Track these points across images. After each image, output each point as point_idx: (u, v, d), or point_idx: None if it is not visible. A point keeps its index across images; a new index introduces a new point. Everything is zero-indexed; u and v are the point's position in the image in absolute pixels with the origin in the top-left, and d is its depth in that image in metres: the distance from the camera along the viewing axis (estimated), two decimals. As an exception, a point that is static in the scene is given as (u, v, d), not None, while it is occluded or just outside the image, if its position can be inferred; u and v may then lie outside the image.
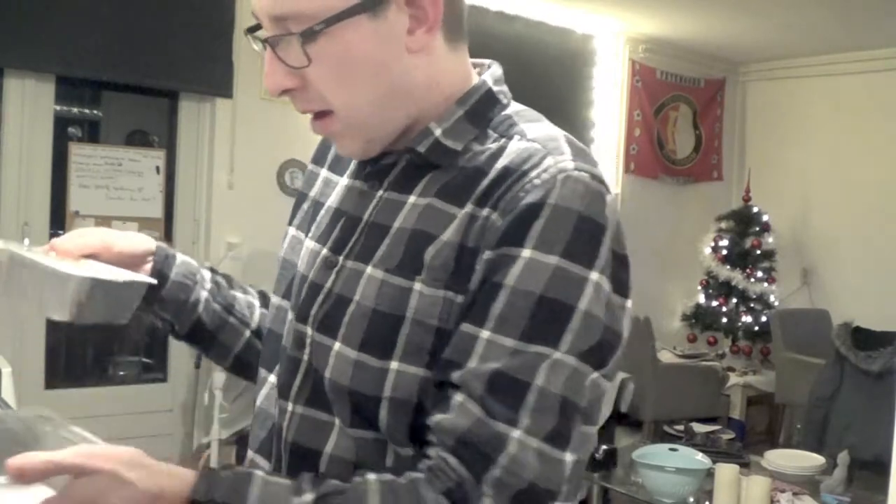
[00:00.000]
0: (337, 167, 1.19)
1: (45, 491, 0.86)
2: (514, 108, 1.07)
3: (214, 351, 1.32)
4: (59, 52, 4.35)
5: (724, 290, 6.88)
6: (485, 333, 0.91)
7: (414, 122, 1.04)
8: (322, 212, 1.15)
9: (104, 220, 4.64)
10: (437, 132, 1.03)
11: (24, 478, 0.80)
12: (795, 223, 7.29)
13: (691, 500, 3.37)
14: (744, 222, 6.96)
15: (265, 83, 1.01)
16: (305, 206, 1.22)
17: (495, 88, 1.07)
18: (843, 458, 3.65)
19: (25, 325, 4.42)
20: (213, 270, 1.35)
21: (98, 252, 1.15)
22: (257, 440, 1.15)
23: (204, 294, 1.28)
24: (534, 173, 0.94)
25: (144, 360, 5.08)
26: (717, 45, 7.10)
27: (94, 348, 4.97)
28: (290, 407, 1.07)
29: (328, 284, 1.06)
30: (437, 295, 0.95)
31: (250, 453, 1.16)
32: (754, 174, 7.23)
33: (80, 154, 4.60)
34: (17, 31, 4.22)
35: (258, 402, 1.16)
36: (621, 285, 0.96)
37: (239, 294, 1.35)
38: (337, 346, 1.01)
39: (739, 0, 5.72)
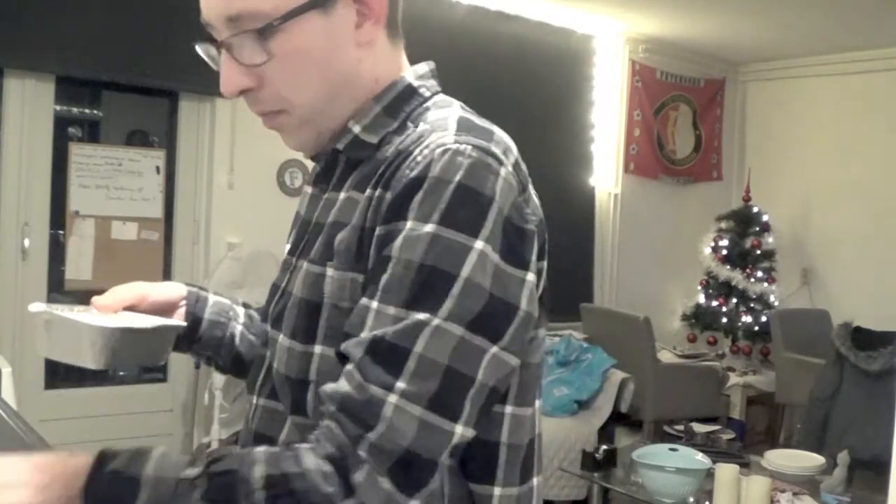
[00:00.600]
0: (310, 180, 1.26)
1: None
2: (435, 99, 1.11)
3: None
4: (59, 52, 4.35)
5: (724, 290, 6.88)
6: (374, 304, 0.93)
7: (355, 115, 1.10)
8: (295, 222, 1.24)
9: (104, 220, 4.64)
10: (356, 129, 1.08)
11: None
12: (795, 223, 7.29)
13: (691, 500, 3.37)
14: (744, 222, 6.96)
15: (222, 86, 1.06)
16: (293, 223, 1.28)
17: (416, 83, 1.11)
18: (843, 458, 3.65)
19: (25, 325, 4.43)
20: (246, 305, 1.41)
21: (135, 304, 1.23)
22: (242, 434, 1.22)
23: (239, 328, 1.35)
24: (416, 150, 0.98)
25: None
26: (717, 45, 7.10)
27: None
28: (254, 400, 1.16)
29: (283, 284, 1.15)
30: (345, 277, 1.01)
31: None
32: (754, 174, 7.23)
33: (80, 154, 4.60)
34: (17, 31, 4.22)
35: None
36: (518, 257, 0.96)
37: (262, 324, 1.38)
38: (280, 337, 1.08)
39: (739, 0, 5.71)
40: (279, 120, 1.08)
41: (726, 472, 3.25)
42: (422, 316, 0.90)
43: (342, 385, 0.91)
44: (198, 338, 1.32)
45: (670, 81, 7.24)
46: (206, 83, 4.74)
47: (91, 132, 4.99)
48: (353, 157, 1.09)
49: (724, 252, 6.90)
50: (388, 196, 0.97)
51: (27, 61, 4.33)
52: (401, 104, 1.09)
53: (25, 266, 4.43)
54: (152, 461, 0.91)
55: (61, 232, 4.58)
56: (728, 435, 5.07)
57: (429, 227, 0.92)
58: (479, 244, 0.92)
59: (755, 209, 6.98)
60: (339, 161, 1.12)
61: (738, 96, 7.84)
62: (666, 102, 7.23)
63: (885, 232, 6.67)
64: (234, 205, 4.96)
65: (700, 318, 6.95)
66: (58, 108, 4.56)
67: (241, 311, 1.38)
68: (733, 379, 6.39)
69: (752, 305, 6.83)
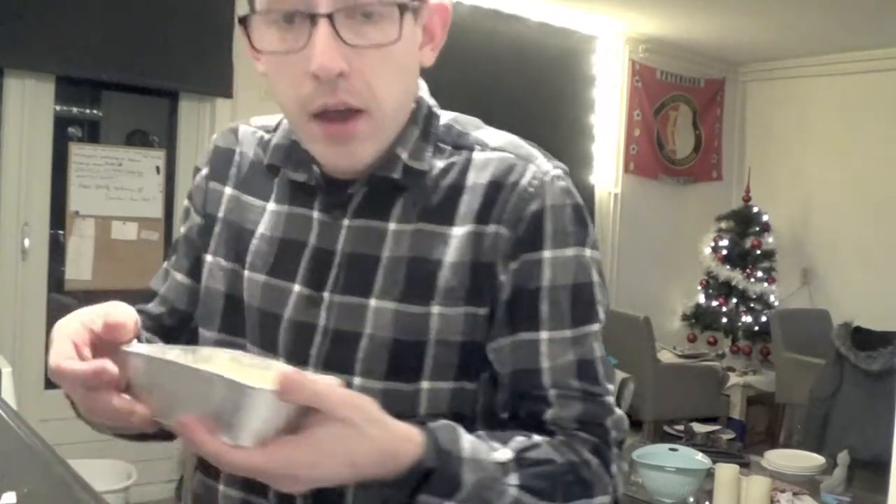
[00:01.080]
0: (249, 188, 1.13)
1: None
2: (446, 115, 1.11)
3: None
4: (59, 52, 4.35)
5: (724, 290, 6.89)
6: (544, 335, 1.02)
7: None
8: (255, 240, 1.10)
9: (104, 220, 4.64)
10: (404, 156, 1.05)
11: (285, 394, 0.75)
12: (795, 223, 7.29)
13: (691, 500, 3.37)
14: (744, 222, 6.97)
15: (321, 63, 0.92)
16: (217, 228, 1.14)
17: (431, 103, 1.10)
18: (843, 458, 3.65)
19: (25, 325, 4.43)
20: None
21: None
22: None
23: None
24: (524, 182, 1.03)
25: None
26: (717, 45, 7.11)
27: (94, 348, 4.96)
28: None
29: (321, 322, 1.04)
30: (458, 313, 1.01)
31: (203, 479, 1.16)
32: (754, 174, 7.24)
33: (80, 154, 4.60)
34: (17, 31, 4.22)
35: None
36: (595, 244, 1.09)
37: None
38: (358, 380, 1.01)
39: (739, 0, 5.72)
40: (356, 125, 0.98)
41: (726, 472, 3.25)
42: (589, 328, 1.04)
43: (569, 410, 1.02)
44: None
45: (670, 81, 7.25)
46: (206, 83, 4.78)
47: (91, 132, 4.99)
48: (403, 186, 1.04)
49: (724, 252, 6.90)
50: (505, 230, 1.02)
51: (27, 61, 4.33)
52: (429, 126, 1.08)
53: (25, 266, 4.43)
54: (464, 440, 0.92)
55: (61, 232, 4.58)
56: (728, 435, 5.08)
57: (569, 252, 1.03)
58: (589, 252, 1.06)
59: (755, 209, 6.98)
60: (357, 190, 1.05)
61: (738, 96, 7.84)
62: (666, 102, 7.23)
63: (886, 232, 6.68)
64: (234, 205, 4.96)
65: (700, 318, 6.96)
66: (58, 108, 4.56)
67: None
68: (733, 379, 6.39)
69: (752, 305, 6.83)
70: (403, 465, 0.86)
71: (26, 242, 4.42)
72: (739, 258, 6.88)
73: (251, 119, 1.22)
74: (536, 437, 0.98)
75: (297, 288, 1.06)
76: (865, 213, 6.86)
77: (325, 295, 1.04)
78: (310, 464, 0.78)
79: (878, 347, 4.70)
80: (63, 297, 4.72)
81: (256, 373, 0.85)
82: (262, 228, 1.10)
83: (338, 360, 1.02)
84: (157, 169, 4.82)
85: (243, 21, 0.99)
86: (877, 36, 6.29)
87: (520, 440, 0.96)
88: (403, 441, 0.86)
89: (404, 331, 1.01)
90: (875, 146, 6.84)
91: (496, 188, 1.03)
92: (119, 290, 4.87)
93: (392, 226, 1.04)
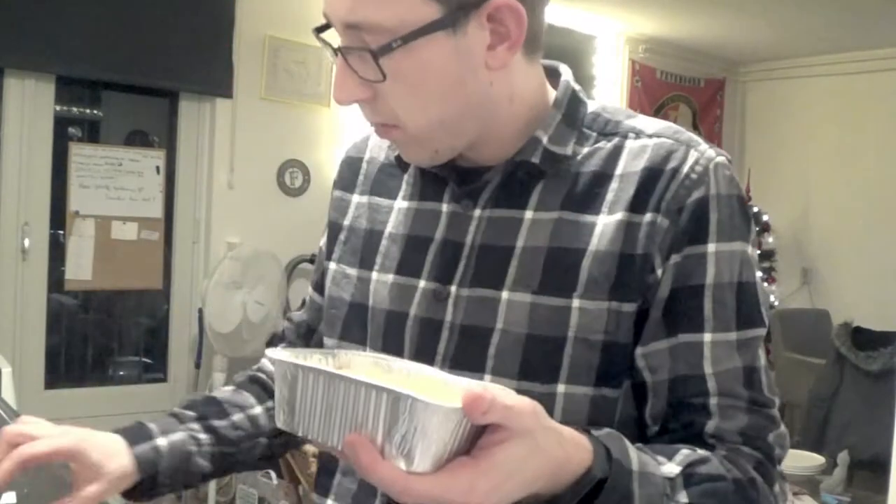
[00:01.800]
0: (379, 190, 1.13)
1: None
2: (593, 104, 1.07)
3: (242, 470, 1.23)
4: (59, 52, 4.35)
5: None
6: (707, 337, 0.94)
7: (487, 134, 1.00)
8: (384, 240, 1.08)
9: (104, 220, 4.64)
10: (545, 139, 1.00)
11: (476, 412, 0.66)
12: (795, 223, 7.29)
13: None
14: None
15: (335, 93, 0.95)
16: (342, 236, 1.14)
17: (576, 87, 1.06)
18: (843, 458, 3.65)
19: (25, 325, 4.43)
20: (201, 418, 1.14)
21: (73, 456, 0.99)
22: (346, 491, 1.06)
23: (204, 464, 1.13)
24: (685, 169, 0.95)
25: (144, 360, 5.08)
26: (717, 45, 7.10)
27: (94, 348, 4.97)
28: None
29: (448, 318, 0.99)
30: (600, 308, 0.94)
31: (313, 496, 1.10)
32: (754, 174, 7.23)
33: (80, 154, 4.60)
34: (17, 31, 4.22)
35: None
36: (755, 243, 1.03)
37: (237, 416, 1.17)
38: (488, 379, 0.95)
39: (739, 0, 5.71)
40: (392, 134, 0.98)
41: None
42: (754, 332, 0.96)
43: (734, 421, 0.94)
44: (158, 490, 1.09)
45: (670, 81, 7.25)
46: (206, 83, 4.78)
47: (91, 132, 4.99)
48: (543, 170, 0.99)
49: (724, 252, 6.90)
50: (663, 219, 0.94)
51: (27, 61, 4.33)
52: (574, 112, 1.03)
53: (25, 266, 4.43)
54: (632, 451, 0.83)
55: (61, 232, 4.57)
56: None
57: (736, 246, 0.96)
58: (750, 248, 0.98)
59: (755, 209, 6.97)
60: (493, 177, 1.01)
61: (738, 96, 7.84)
62: (666, 102, 7.23)
63: (886, 232, 6.67)
64: (234, 205, 4.96)
65: (700, 318, 6.95)
66: (58, 108, 4.56)
67: (201, 437, 1.13)
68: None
69: (752, 305, 6.83)
70: (574, 474, 0.77)
71: (26, 242, 4.42)
72: (739, 258, 6.87)
73: None
74: (703, 452, 0.90)
75: (422, 283, 1.02)
76: (865, 213, 6.86)
77: (453, 289, 1.00)
78: (491, 488, 0.69)
79: (878, 347, 4.70)
80: (63, 297, 4.73)
81: (413, 381, 0.79)
82: (390, 227, 1.08)
83: (467, 358, 0.97)
84: (157, 169, 4.82)
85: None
86: (877, 36, 6.29)
87: (686, 454, 0.88)
88: (574, 448, 0.78)
89: (541, 325, 0.95)
90: (875, 146, 6.84)
91: (653, 175, 0.96)
92: (119, 289, 4.88)
93: (529, 214, 0.99)
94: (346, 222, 1.14)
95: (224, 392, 1.21)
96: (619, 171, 0.98)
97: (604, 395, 0.95)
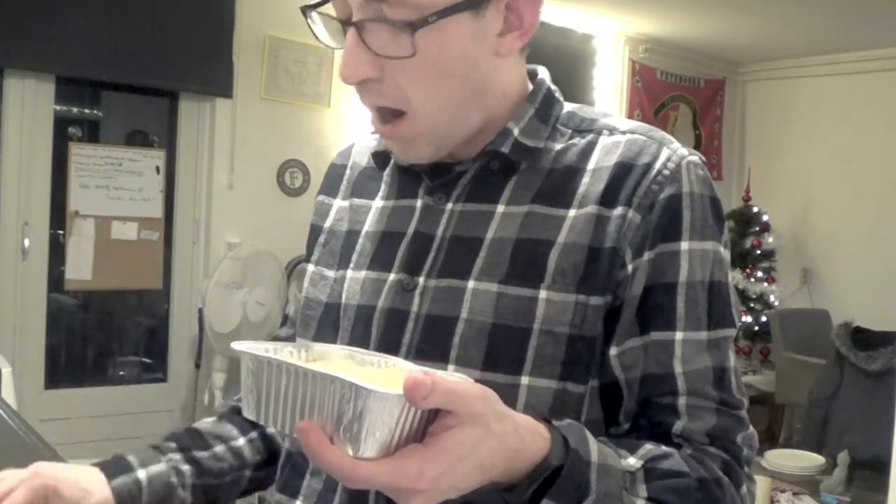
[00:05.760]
0: (360, 192, 1.13)
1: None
2: (571, 105, 1.07)
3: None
4: (59, 52, 4.34)
5: (724, 290, 6.88)
6: (678, 335, 0.93)
7: (481, 128, 1.00)
8: (361, 239, 1.08)
9: (104, 220, 4.64)
10: (516, 131, 1.00)
11: (417, 398, 0.67)
12: (795, 223, 7.29)
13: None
14: (744, 222, 6.97)
15: (343, 70, 0.92)
16: (322, 238, 1.14)
17: (552, 87, 1.07)
18: (843, 458, 3.65)
19: (25, 325, 4.43)
20: (183, 449, 1.13)
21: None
22: (312, 492, 1.04)
23: (186, 496, 1.10)
24: (657, 165, 0.95)
25: (144, 360, 5.08)
26: (717, 45, 7.11)
27: (94, 348, 4.97)
28: None
29: (414, 308, 0.98)
30: (567, 300, 0.93)
31: (279, 496, 1.08)
32: (754, 174, 7.24)
33: (80, 154, 4.60)
34: (17, 31, 4.22)
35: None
36: (728, 244, 1.02)
37: (219, 448, 1.15)
38: (452, 369, 0.94)
39: (739, 0, 5.71)
40: (397, 127, 0.96)
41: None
42: (725, 332, 0.96)
43: (702, 421, 0.92)
44: None
45: (670, 81, 7.25)
46: (206, 83, 4.78)
47: (91, 132, 4.99)
48: (514, 161, 0.99)
49: (724, 252, 6.90)
50: (634, 214, 0.93)
51: (27, 61, 4.32)
52: (548, 109, 1.03)
53: (25, 266, 4.43)
54: (592, 442, 0.83)
55: (61, 232, 4.57)
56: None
57: (708, 245, 0.95)
58: (722, 249, 0.98)
59: (755, 209, 6.98)
60: (465, 168, 1.01)
61: (738, 96, 7.84)
62: (666, 102, 7.23)
63: (886, 232, 6.67)
64: (234, 205, 4.96)
65: (700, 318, 6.95)
66: (58, 107, 4.56)
67: (185, 469, 1.11)
68: (733, 379, 6.38)
69: (752, 305, 6.84)
70: (530, 462, 0.78)
71: (26, 242, 4.42)
72: (739, 258, 6.88)
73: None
74: (667, 448, 0.89)
75: (392, 276, 1.01)
76: (866, 213, 6.86)
77: (420, 279, 0.99)
78: (440, 473, 0.69)
79: (878, 347, 4.70)
80: (63, 297, 4.73)
81: (377, 373, 0.80)
82: (367, 227, 1.08)
83: (431, 348, 0.96)
84: (157, 169, 4.82)
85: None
86: (877, 35, 6.29)
87: (649, 448, 0.88)
88: (531, 435, 0.78)
89: (506, 315, 0.93)
90: (875, 146, 6.84)
91: (624, 169, 0.95)
92: (119, 289, 4.88)
93: (501, 208, 0.98)
94: (327, 225, 1.14)
95: (206, 423, 1.19)
96: (591, 165, 0.97)
97: (567, 389, 0.93)
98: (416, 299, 0.98)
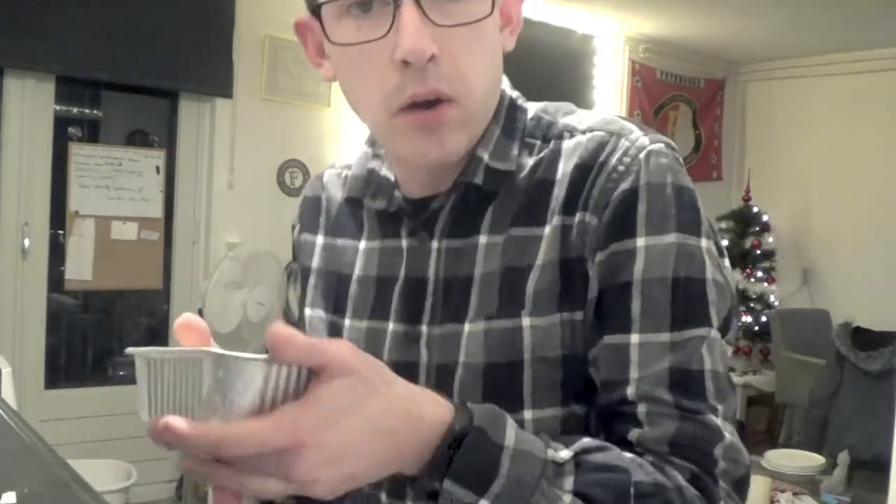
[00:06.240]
0: (341, 231, 1.07)
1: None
2: (534, 106, 1.00)
3: None
4: (59, 52, 4.35)
5: (724, 290, 6.88)
6: (634, 338, 0.85)
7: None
8: (353, 284, 1.02)
9: (104, 220, 4.64)
10: (486, 157, 0.93)
11: (276, 353, 0.63)
12: (795, 223, 7.29)
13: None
14: (744, 222, 6.97)
15: (410, 45, 0.82)
16: (312, 280, 1.08)
17: (513, 95, 1.00)
18: (843, 458, 3.65)
19: (25, 325, 4.43)
20: None
21: None
22: None
23: None
24: (614, 160, 0.88)
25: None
26: (717, 45, 7.11)
27: (94, 348, 4.97)
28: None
29: (424, 360, 0.93)
30: (552, 322, 0.87)
31: None
32: (754, 174, 7.24)
33: (80, 154, 4.60)
34: (17, 31, 4.22)
35: None
36: (719, 246, 0.93)
37: None
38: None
39: (739, 0, 5.71)
40: (444, 112, 0.87)
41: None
42: (696, 332, 0.85)
43: (660, 428, 0.82)
44: None
45: (670, 81, 7.25)
46: (206, 83, 4.78)
47: (91, 132, 4.99)
48: (489, 191, 0.93)
49: (724, 252, 6.90)
50: (591, 217, 0.87)
51: (27, 61, 4.33)
52: (512, 121, 0.96)
53: (25, 266, 4.43)
54: (510, 428, 0.75)
55: (61, 232, 4.58)
56: (728, 435, 5.07)
57: (669, 238, 0.86)
58: (704, 242, 0.88)
59: (755, 209, 6.98)
60: (441, 203, 0.95)
61: (738, 96, 7.84)
62: (666, 102, 7.23)
63: (886, 232, 6.67)
64: (234, 205, 4.96)
65: (700, 318, 6.95)
66: (58, 107, 4.56)
67: None
68: (733, 379, 6.38)
69: (752, 305, 6.84)
70: (432, 433, 0.71)
71: (26, 242, 4.42)
72: (739, 258, 6.88)
73: (336, 162, 1.15)
74: (607, 443, 0.81)
75: (391, 326, 0.96)
76: (866, 213, 6.86)
77: (423, 328, 0.94)
78: (318, 424, 0.63)
79: (878, 347, 4.70)
80: (63, 297, 4.73)
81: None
82: (357, 271, 1.02)
83: None
84: (157, 169, 4.82)
85: (317, 12, 0.89)
86: (877, 35, 6.29)
87: (585, 442, 0.79)
88: (431, 402, 0.73)
89: (494, 352, 0.88)
90: (875, 146, 6.84)
91: (583, 172, 0.89)
92: (119, 289, 4.88)
93: (483, 239, 0.92)
94: (314, 265, 1.09)
95: None
96: (558, 175, 0.91)
97: (573, 412, 0.88)
98: (424, 350, 0.94)
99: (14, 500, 1.09)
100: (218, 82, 4.79)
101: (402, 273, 0.97)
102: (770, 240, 6.96)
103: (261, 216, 4.97)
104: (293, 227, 1.15)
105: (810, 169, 7.25)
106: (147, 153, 4.84)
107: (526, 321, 0.88)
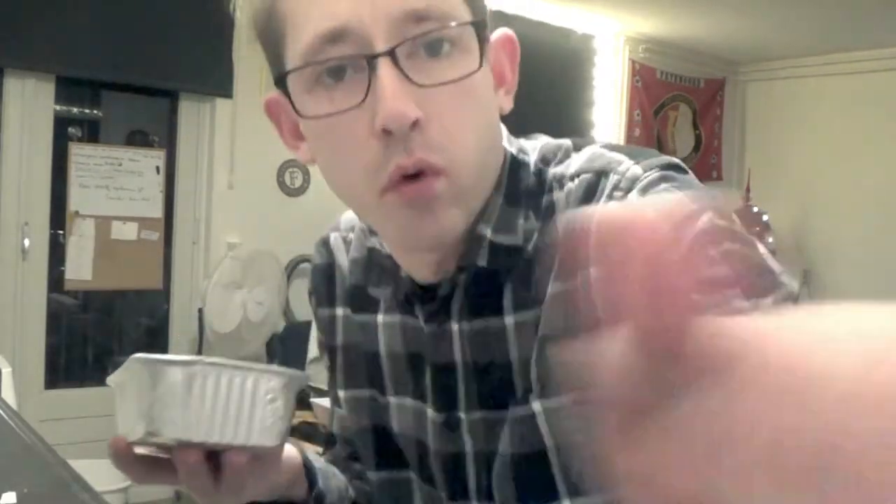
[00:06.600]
0: (358, 303, 0.98)
1: None
2: (533, 153, 0.88)
3: None
4: (59, 52, 4.35)
5: (724, 290, 6.88)
6: None
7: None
8: (385, 360, 0.95)
9: (104, 220, 4.64)
10: (489, 233, 0.83)
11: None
12: (795, 224, 7.28)
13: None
14: (744, 223, 6.96)
15: (389, 110, 0.72)
16: (340, 360, 1.01)
17: (513, 150, 0.87)
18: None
19: (25, 325, 4.43)
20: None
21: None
22: None
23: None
24: (603, 200, 0.79)
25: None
26: (717, 45, 7.10)
27: (94, 348, 4.96)
28: None
29: (468, 448, 0.87)
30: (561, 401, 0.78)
31: None
32: (754, 174, 7.23)
33: (80, 154, 4.60)
34: (17, 31, 4.22)
35: None
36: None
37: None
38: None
39: (739, 0, 5.71)
40: (432, 185, 0.75)
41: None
42: None
43: None
44: None
45: (670, 81, 7.24)
46: (206, 83, 4.78)
47: (91, 132, 4.99)
48: (499, 270, 0.83)
49: (724, 252, 6.90)
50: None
51: (27, 61, 4.33)
52: (516, 184, 0.85)
53: (25, 266, 4.43)
54: None
55: (61, 232, 4.58)
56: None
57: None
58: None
59: (755, 209, 6.98)
60: (449, 291, 0.86)
61: (737, 96, 7.84)
62: (666, 102, 7.23)
63: (886, 233, 6.67)
64: (234, 205, 4.96)
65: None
66: (58, 107, 4.56)
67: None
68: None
69: (752, 305, 6.83)
70: None
71: (26, 242, 4.42)
72: (739, 258, 6.87)
73: (340, 220, 1.05)
74: None
75: (430, 412, 0.90)
76: (866, 214, 6.85)
77: (461, 416, 0.87)
78: None
79: (878, 347, 4.70)
80: (63, 297, 4.73)
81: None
82: (383, 346, 0.94)
83: (482, 486, 0.86)
84: (157, 169, 4.82)
85: (283, 84, 0.79)
86: (877, 36, 6.29)
87: None
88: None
89: (516, 441, 0.82)
90: (876, 146, 6.84)
91: None
92: (119, 289, 4.88)
93: (510, 320, 0.83)
94: (339, 342, 1.01)
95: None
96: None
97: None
98: (467, 439, 0.87)
99: (14, 500, 1.09)
100: (218, 82, 4.79)
101: (430, 357, 0.89)
102: (770, 240, 6.96)
103: (261, 216, 4.97)
104: (310, 296, 1.07)
105: (810, 169, 7.25)
106: (147, 153, 4.84)
107: (536, 405, 0.81)
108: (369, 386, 0.96)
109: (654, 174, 0.77)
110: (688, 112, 7.42)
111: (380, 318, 0.94)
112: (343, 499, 1.00)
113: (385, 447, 0.95)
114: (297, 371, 0.77)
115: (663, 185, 0.76)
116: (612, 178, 0.79)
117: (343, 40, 0.73)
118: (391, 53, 0.72)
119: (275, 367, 0.80)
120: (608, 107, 6.80)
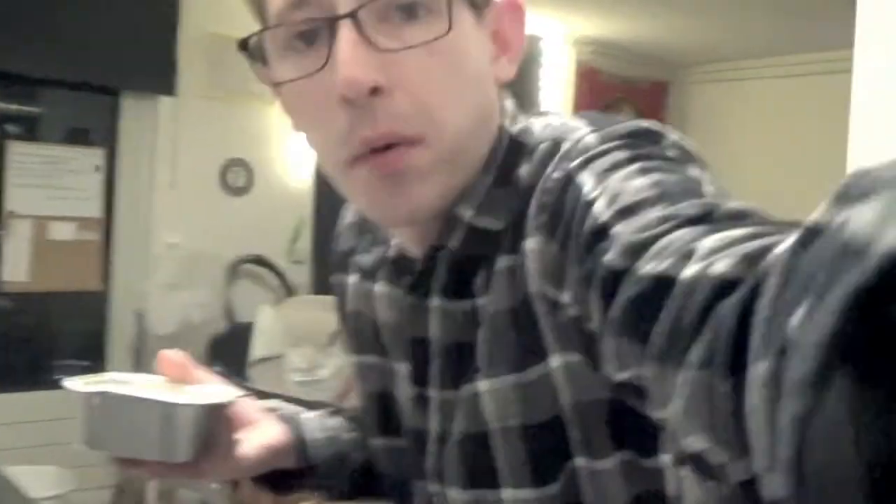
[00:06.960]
0: (368, 271, 0.95)
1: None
2: (536, 138, 0.81)
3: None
4: (-5, 48, 4.26)
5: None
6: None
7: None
8: (382, 328, 0.92)
9: (42, 220, 4.55)
10: (468, 215, 0.78)
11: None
12: (737, 225, 7.37)
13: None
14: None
15: (343, 76, 0.67)
16: (350, 324, 0.99)
17: (515, 131, 0.82)
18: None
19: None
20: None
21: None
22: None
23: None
24: (548, 170, 0.73)
25: (83, 362, 4.97)
26: (662, 48, 7.17)
27: (31, 352, 4.87)
28: None
29: (432, 426, 0.85)
30: (578, 359, 0.73)
31: None
32: (697, 176, 7.31)
33: (18, 153, 4.50)
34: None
35: None
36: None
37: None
38: (509, 493, 0.77)
39: (684, 2, 5.77)
40: (408, 155, 0.71)
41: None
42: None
43: None
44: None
45: (615, 83, 7.30)
46: (149, 80, 4.70)
47: (29, 130, 4.89)
48: (475, 255, 0.79)
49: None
50: (537, 241, 0.72)
51: (-39, 56, 4.23)
52: (510, 168, 0.79)
53: (-41, 267, 4.33)
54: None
55: (3, 232, 4.48)
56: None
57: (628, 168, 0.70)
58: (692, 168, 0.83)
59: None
60: (427, 267, 0.82)
61: (682, 99, 7.92)
62: (611, 104, 7.28)
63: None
64: (175, 204, 4.89)
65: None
66: (-6, 104, 4.47)
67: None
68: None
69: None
70: None
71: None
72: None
73: None
74: None
75: (407, 387, 0.88)
76: (809, 216, 6.95)
77: (429, 392, 0.85)
78: None
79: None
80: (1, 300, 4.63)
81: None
82: (380, 314, 0.91)
83: (468, 473, 0.81)
84: (97, 168, 4.74)
85: (256, 52, 0.76)
86: (820, 38, 6.38)
87: None
88: None
89: (530, 407, 0.76)
90: (818, 150, 6.93)
91: (528, 195, 0.75)
92: (58, 291, 4.78)
93: (481, 301, 0.79)
94: (349, 308, 0.98)
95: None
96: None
97: (639, 464, 0.74)
98: (436, 416, 0.85)
99: None
100: (161, 80, 4.72)
101: (408, 329, 0.87)
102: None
103: (203, 216, 4.90)
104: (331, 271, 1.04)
105: (753, 172, 7.33)
106: (86, 151, 4.75)
107: (555, 360, 0.75)
108: (376, 353, 0.94)
109: (609, 145, 0.70)
110: (632, 113, 7.48)
111: (378, 287, 0.91)
112: (357, 447, 1.02)
113: (389, 413, 0.93)
114: (221, 391, 0.86)
115: (609, 159, 0.68)
116: (564, 147, 0.74)
117: (308, 3, 0.70)
118: (353, 16, 0.68)
119: (195, 388, 0.86)
120: (554, 108, 6.82)
